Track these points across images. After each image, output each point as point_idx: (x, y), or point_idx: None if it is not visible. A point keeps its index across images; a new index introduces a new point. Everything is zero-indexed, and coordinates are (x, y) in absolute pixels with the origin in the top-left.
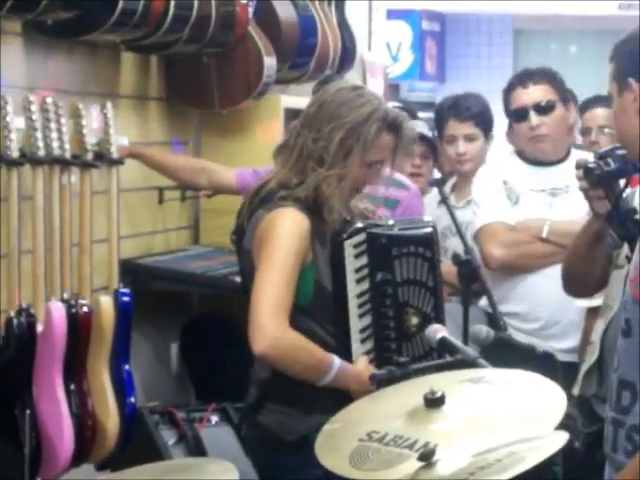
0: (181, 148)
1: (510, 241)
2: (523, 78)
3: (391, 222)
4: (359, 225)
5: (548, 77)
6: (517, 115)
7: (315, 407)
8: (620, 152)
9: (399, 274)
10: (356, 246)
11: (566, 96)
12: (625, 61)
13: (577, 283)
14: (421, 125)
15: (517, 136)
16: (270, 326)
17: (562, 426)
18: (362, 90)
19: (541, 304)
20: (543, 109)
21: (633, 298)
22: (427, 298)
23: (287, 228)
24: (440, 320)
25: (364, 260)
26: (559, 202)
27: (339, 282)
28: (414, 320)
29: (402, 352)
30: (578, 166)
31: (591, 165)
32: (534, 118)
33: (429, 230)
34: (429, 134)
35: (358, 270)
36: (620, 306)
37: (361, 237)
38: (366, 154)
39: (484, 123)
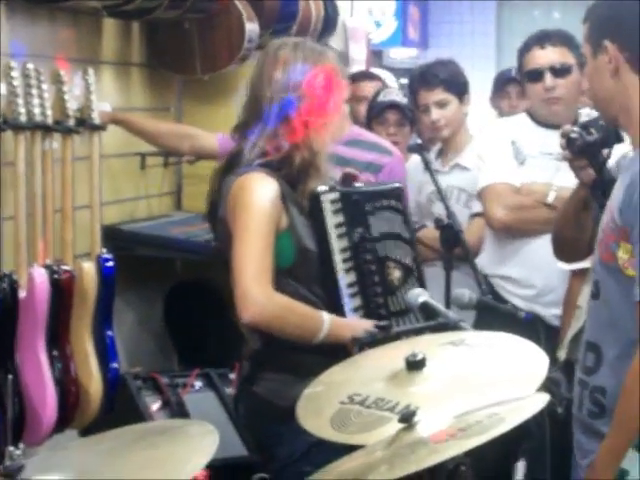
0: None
1: (514, 204)
2: (541, 38)
3: (359, 184)
4: (332, 184)
5: (566, 40)
6: (532, 75)
7: (308, 372)
8: (602, 121)
9: (375, 229)
10: (332, 202)
11: (582, 60)
12: (600, 23)
13: (567, 249)
14: (394, 93)
15: (530, 96)
16: (255, 293)
17: (546, 390)
18: (307, 41)
19: (537, 270)
20: (559, 71)
21: (599, 260)
22: (405, 250)
23: (257, 192)
24: (419, 271)
25: (341, 218)
26: (566, 166)
27: (322, 238)
28: (396, 273)
29: (389, 306)
30: (563, 135)
31: (573, 135)
32: (549, 79)
33: (397, 184)
34: (402, 101)
35: (337, 226)
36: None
37: (335, 195)
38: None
39: (455, 87)
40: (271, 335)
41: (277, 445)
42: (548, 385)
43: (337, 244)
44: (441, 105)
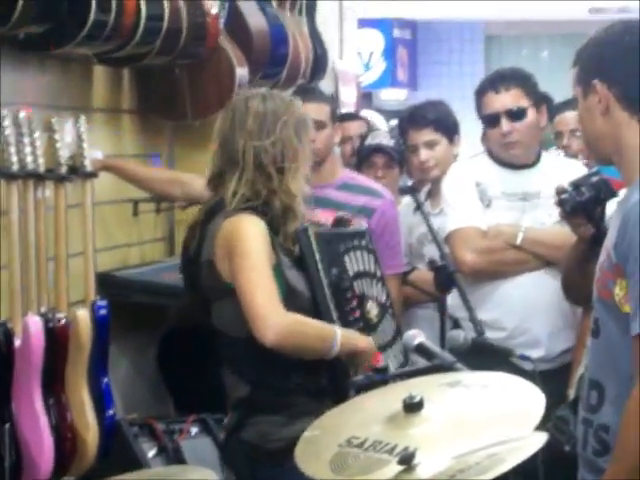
0: (159, 162)
1: (483, 247)
2: (495, 82)
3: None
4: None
5: (520, 81)
6: (489, 120)
7: (297, 413)
8: (594, 179)
9: (350, 268)
10: (315, 240)
11: (538, 100)
12: (588, 64)
13: (575, 294)
14: (381, 135)
15: (489, 140)
16: (273, 314)
17: (555, 428)
18: (274, 92)
19: (507, 312)
20: (515, 115)
21: (598, 297)
22: (379, 288)
23: (252, 230)
24: (393, 308)
25: (318, 256)
26: (531, 207)
27: (313, 271)
28: (374, 310)
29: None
30: (557, 192)
31: (564, 197)
32: (505, 124)
33: (364, 225)
34: (389, 144)
35: (321, 261)
36: None
37: (312, 234)
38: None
39: (444, 128)
40: (257, 377)
41: None
42: (557, 423)
43: (325, 280)
44: (430, 145)
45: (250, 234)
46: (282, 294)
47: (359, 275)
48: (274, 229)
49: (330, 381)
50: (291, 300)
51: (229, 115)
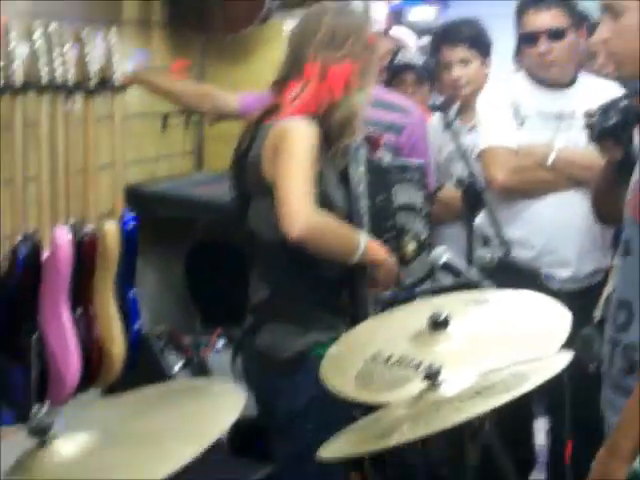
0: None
1: (514, 166)
2: (536, 0)
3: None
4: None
5: (561, 1)
6: (527, 39)
7: (312, 324)
8: (623, 103)
9: (397, 199)
10: (365, 161)
11: (578, 21)
12: None
13: (607, 216)
14: (411, 53)
15: (526, 58)
16: (302, 209)
17: (580, 347)
18: (349, 7)
19: (536, 232)
20: (554, 35)
21: (630, 219)
22: (422, 225)
23: (302, 132)
24: (432, 248)
25: (368, 179)
26: (565, 127)
27: (353, 190)
28: (411, 246)
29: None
30: (585, 116)
31: (592, 121)
32: (544, 43)
33: (422, 161)
34: (419, 61)
35: (369, 185)
36: None
37: (364, 156)
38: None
39: (478, 46)
40: (279, 283)
41: (276, 399)
42: (582, 343)
43: (364, 201)
44: (463, 63)
45: (300, 136)
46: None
47: (404, 207)
48: (328, 141)
49: (350, 298)
50: (325, 211)
51: (301, 24)
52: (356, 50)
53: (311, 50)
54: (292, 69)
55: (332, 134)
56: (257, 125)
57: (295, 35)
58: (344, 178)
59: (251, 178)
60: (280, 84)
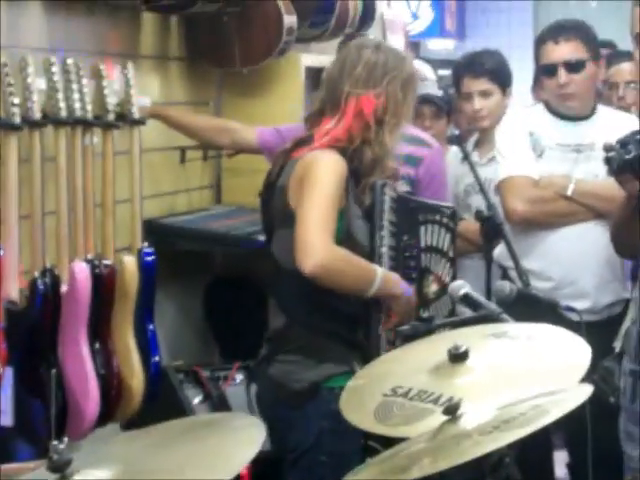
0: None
1: (534, 197)
2: (555, 32)
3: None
4: (392, 183)
5: (580, 33)
6: (546, 70)
7: (327, 356)
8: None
9: (423, 240)
10: (391, 199)
11: (597, 52)
12: None
13: (626, 248)
14: (429, 86)
15: (545, 90)
16: (317, 244)
17: (601, 379)
18: (388, 44)
19: (555, 263)
20: (573, 67)
21: None
22: (447, 268)
23: (330, 164)
24: None
25: (394, 218)
26: (583, 159)
27: (375, 228)
28: (433, 287)
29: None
30: (604, 150)
31: (611, 154)
32: (563, 76)
33: (452, 205)
34: (438, 94)
35: (391, 224)
36: None
37: (394, 194)
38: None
39: (500, 79)
40: (297, 313)
41: (287, 430)
42: (603, 374)
43: (387, 239)
44: (485, 95)
45: (328, 169)
46: (338, 237)
47: (430, 249)
48: (357, 178)
49: (365, 334)
50: (346, 246)
51: (340, 59)
52: (393, 88)
53: (348, 85)
54: (328, 103)
55: (363, 170)
56: (287, 156)
57: (333, 69)
58: (369, 215)
59: (277, 207)
60: (314, 117)
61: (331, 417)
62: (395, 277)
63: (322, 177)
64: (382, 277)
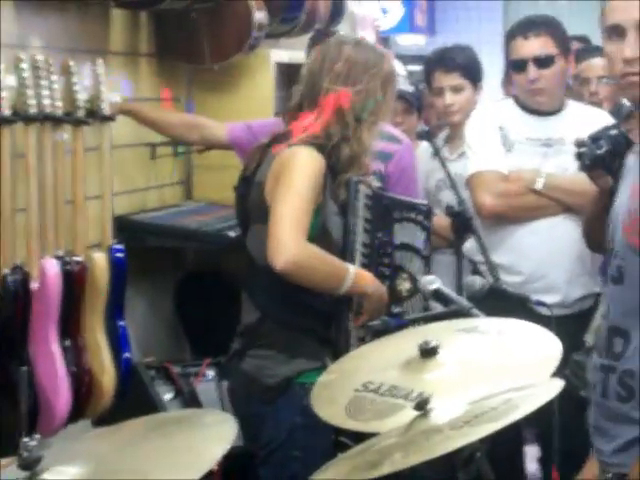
0: (193, 107)
1: (503, 191)
2: (525, 27)
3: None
4: (368, 181)
5: (550, 28)
6: (516, 65)
7: (300, 351)
8: (613, 132)
9: (398, 237)
10: (366, 197)
11: (566, 48)
12: None
13: (598, 243)
14: (400, 82)
15: (515, 85)
16: (289, 241)
17: (572, 373)
18: (367, 41)
19: (525, 257)
20: (542, 62)
21: (626, 244)
22: (420, 266)
23: (307, 160)
24: None
25: (369, 215)
26: (553, 153)
27: (350, 225)
28: (407, 285)
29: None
30: (576, 145)
31: (582, 150)
32: (532, 71)
33: (428, 203)
34: (409, 89)
35: (365, 220)
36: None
37: (369, 192)
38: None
39: (471, 74)
40: (270, 309)
41: (260, 426)
42: (573, 368)
43: (361, 237)
44: (456, 90)
45: (305, 165)
46: (313, 233)
47: (404, 247)
48: (334, 174)
49: (334, 330)
50: (321, 242)
51: (319, 55)
52: (373, 86)
53: (327, 81)
54: (306, 98)
55: (339, 167)
56: (265, 151)
57: (313, 64)
58: (344, 211)
59: (253, 202)
60: (293, 112)
61: (303, 412)
62: (367, 275)
63: (298, 174)
64: (354, 275)
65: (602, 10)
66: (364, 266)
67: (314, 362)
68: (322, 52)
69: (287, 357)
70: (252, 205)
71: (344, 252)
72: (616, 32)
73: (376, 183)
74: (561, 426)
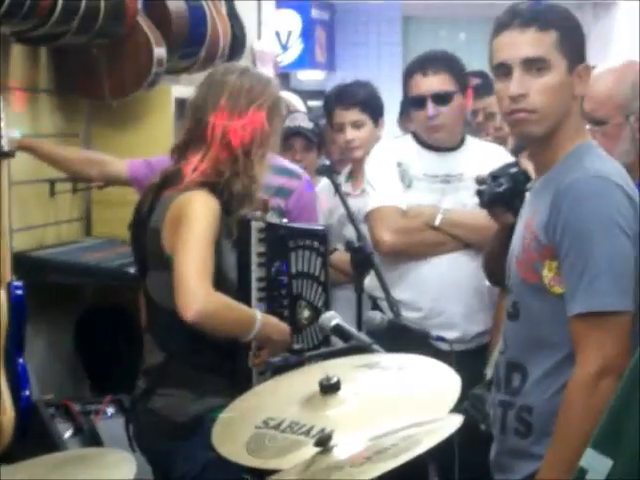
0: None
1: (401, 227)
2: (423, 64)
3: (285, 221)
4: (260, 214)
5: (448, 65)
6: (415, 102)
7: (209, 389)
8: (512, 170)
9: (294, 266)
10: (259, 231)
11: (464, 84)
12: (577, 45)
13: (497, 278)
14: (300, 118)
15: (414, 121)
16: (198, 291)
17: (471, 407)
18: (253, 69)
19: (424, 293)
20: (441, 99)
21: (521, 280)
22: (319, 292)
23: (204, 206)
24: None
25: (263, 248)
26: (452, 189)
27: (244, 262)
28: (306, 313)
29: (292, 343)
30: (476, 183)
31: (482, 188)
32: (431, 108)
33: (323, 227)
34: (309, 126)
35: (259, 255)
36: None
37: (262, 225)
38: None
39: (371, 109)
40: (175, 349)
41: (172, 462)
42: (473, 402)
43: (256, 272)
44: (357, 126)
45: (202, 212)
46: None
47: (300, 275)
48: (227, 211)
49: (233, 368)
50: (219, 281)
51: (204, 86)
52: (259, 117)
53: (213, 116)
54: (193, 134)
55: (233, 203)
56: (157, 193)
57: (197, 98)
58: (238, 248)
59: (150, 249)
60: (181, 149)
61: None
62: (274, 321)
63: (197, 222)
64: (261, 322)
65: (489, 49)
66: (260, 300)
67: (224, 398)
68: (206, 84)
69: (197, 395)
70: (149, 252)
71: (239, 290)
72: (503, 70)
73: (274, 218)
74: (462, 460)
